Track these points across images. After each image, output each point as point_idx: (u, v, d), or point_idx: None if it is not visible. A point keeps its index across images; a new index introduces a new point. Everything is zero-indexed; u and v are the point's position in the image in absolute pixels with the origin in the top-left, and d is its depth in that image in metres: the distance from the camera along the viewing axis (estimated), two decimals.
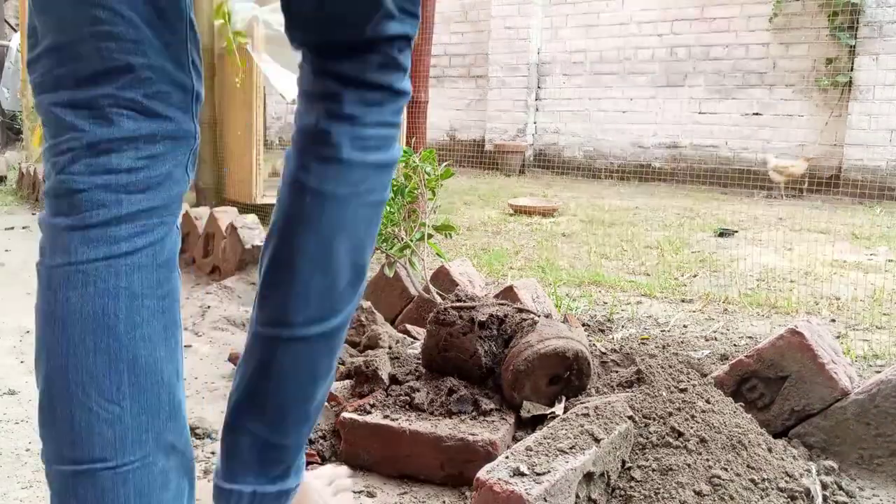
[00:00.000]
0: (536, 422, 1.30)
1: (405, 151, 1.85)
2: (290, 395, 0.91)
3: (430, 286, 1.76)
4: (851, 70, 6.45)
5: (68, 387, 0.72)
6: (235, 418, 0.92)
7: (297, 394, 0.91)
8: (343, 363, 1.55)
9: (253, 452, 0.91)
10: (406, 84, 0.92)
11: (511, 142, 8.51)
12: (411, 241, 1.81)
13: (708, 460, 1.04)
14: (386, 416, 1.30)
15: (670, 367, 1.33)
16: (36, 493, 1.25)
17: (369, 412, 1.33)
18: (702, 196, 6.50)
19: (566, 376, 1.34)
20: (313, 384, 0.92)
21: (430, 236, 1.85)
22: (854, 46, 6.40)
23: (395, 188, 1.80)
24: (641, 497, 1.00)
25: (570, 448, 0.98)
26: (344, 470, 1.19)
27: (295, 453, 0.94)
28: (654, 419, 1.13)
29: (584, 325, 2.14)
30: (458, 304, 1.43)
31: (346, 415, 1.33)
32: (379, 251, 1.85)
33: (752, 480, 1.03)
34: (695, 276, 3.05)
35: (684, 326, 2.25)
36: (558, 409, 1.30)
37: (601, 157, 8.14)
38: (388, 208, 1.80)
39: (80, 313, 0.72)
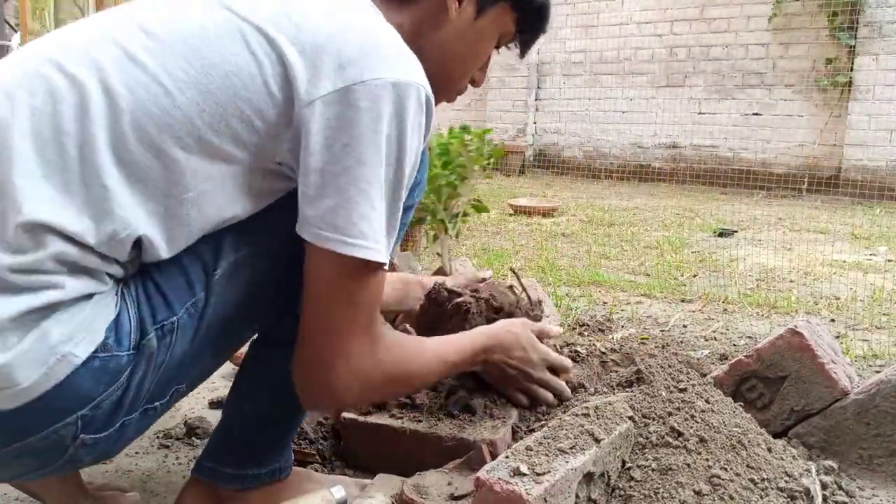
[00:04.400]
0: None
1: (461, 128, 1.86)
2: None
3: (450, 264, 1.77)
4: (851, 70, 6.44)
5: None
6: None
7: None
8: None
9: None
10: None
11: (511, 142, 8.50)
12: (447, 217, 1.82)
13: (707, 460, 1.04)
14: (386, 416, 1.31)
15: (670, 367, 1.33)
16: None
17: (369, 412, 1.33)
18: (702, 196, 6.50)
19: None
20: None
21: (465, 214, 1.86)
22: (854, 46, 6.39)
23: (443, 161, 1.81)
24: (641, 497, 1.00)
25: (571, 448, 0.98)
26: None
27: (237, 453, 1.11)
28: (654, 419, 1.13)
29: (583, 325, 2.14)
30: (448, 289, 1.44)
31: (346, 414, 1.33)
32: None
33: (752, 480, 1.03)
34: (695, 276, 3.05)
35: (684, 326, 2.26)
36: None
37: (601, 157, 8.14)
38: (435, 183, 1.81)
39: None
